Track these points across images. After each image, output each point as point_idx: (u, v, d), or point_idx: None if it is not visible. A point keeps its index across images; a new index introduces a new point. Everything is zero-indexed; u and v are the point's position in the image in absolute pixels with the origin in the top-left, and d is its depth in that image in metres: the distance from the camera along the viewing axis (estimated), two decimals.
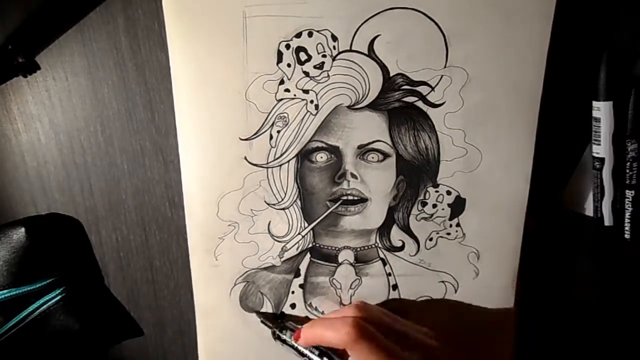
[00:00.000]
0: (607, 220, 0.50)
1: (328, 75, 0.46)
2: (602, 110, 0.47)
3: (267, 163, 0.49)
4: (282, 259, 0.52)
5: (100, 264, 0.57)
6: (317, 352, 0.47)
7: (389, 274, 0.52)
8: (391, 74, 0.46)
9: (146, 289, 0.56)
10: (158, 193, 0.54)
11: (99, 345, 0.57)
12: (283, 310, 0.53)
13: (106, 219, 0.56)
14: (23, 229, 0.51)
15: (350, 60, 0.46)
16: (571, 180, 0.51)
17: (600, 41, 0.47)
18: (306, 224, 0.51)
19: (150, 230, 0.54)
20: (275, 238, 0.51)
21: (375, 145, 0.48)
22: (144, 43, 0.49)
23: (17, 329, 0.52)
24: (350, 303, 0.53)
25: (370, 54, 0.46)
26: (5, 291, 0.51)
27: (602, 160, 0.48)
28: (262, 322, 0.53)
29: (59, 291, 0.52)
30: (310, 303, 0.53)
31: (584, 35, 0.48)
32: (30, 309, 0.52)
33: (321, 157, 0.49)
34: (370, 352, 0.41)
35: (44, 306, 0.52)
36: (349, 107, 0.47)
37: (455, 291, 0.52)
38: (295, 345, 0.48)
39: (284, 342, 0.50)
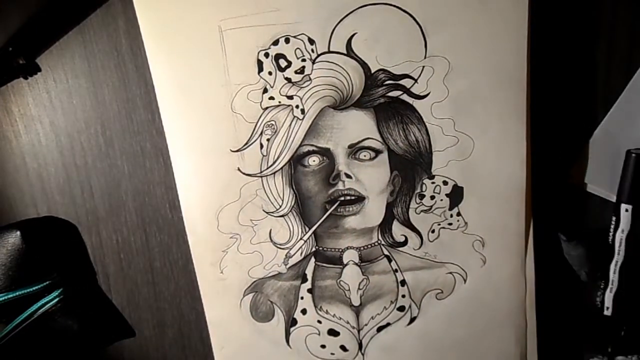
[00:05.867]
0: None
1: (310, 79, 0.47)
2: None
3: (261, 172, 0.49)
4: (288, 266, 0.52)
5: (100, 265, 0.58)
6: None
7: (396, 270, 0.52)
8: (372, 71, 0.46)
9: (146, 290, 0.57)
10: (158, 194, 0.54)
11: (95, 345, 0.57)
12: (295, 316, 0.54)
13: (106, 220, 0.56)
14: (19, 233, 0.52)
15: (330, 62, 0.46)
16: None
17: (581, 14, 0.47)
18: (307, 229, 0.51)
19: (150, 232, 0.54)
20: (278, 245, 0.51)
21: (366, 143, 0.48)
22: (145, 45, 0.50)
23: (17, 330, 0.53)
24: (360, 303, 0.53)
25: (349, 53, 0.46)
26: (3, 294, 0.52)
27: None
28: None
29: (57, 293, 0.53)
30: (321, 307, 0.53)
31: (566, 8, 0.47)
32: (30, 310, 0.52)
33: (313, 161, 0.49)
34: None
35: (44, 308, 0.53)
36: (334, 108, 0.48)
37: (465, 281, 0.51)
38: None
39: None
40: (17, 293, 0.53)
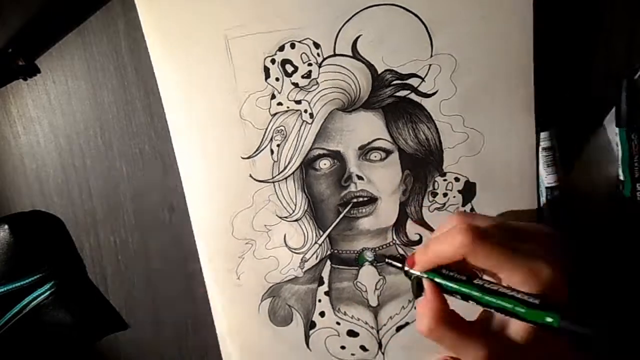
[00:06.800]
0: None
1: (317, 83, 0.47)
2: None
3: (273, 177, 0.49)
4: (304, 270, 0.52)
5: (98, 266, 0.58)
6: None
7: None
8: (379, 72, 0.46)
9: (144, 292, 0.57)
10: (156, 196, 0.55)
11: (89, 338, 0.57)
12: (314, 319, 0.54)
13: (105, 222, 0.56)
14: (7, 226, 0.52)
15: (336, 65, 0.46)
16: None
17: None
18: (321, 232, 0.51)
19: (148, 234, 0.54)
20: (293, 250, 0.52)
21: (376, 144, 0.48)
22: (144, 47, 0.49)
23: (10, 324, 0.53)
24: (378, 303, 0.53)
25: (355, 54, 0.46)
26: None
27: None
28: (388, 263, 0.46)
29: (48, 285, 0.53)
30: (339, 309, 0.53)
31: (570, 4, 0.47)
32: (22, 304, 0.53)
33: (325, 164, 0.49)
34: (490, 251, 0.37)
35: (35, 301, 0.53)
36: (343, 110, 0.48)
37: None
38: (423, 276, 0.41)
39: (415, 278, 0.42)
40: (8, 287, 0.53)
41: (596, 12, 0.47)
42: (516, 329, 0.38)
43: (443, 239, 0.39)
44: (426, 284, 0.40)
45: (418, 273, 0.41)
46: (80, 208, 0.56)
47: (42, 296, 0.53)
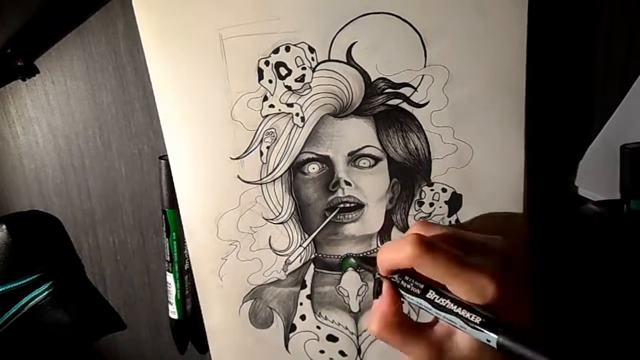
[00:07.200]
0: None
1: (310, 87, 0.47)
2: None
3: (261, 179, 0.49)
4: (287, 272, 0.52)
5: (97, 267, 0.58)
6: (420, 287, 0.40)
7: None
8: (372, 79, 0.46)
9: (143, 292, 0.57)
10: (155, 197, 0.55)
11: (87, 338, 0.57)
12: (294, 322, 0.54)
13: (103, 222, 0.56)
14: (4, 226, 0.52)
15: (330, 70, 0.46)
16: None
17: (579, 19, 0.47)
18: (306, 236, 0.51)
19: (147, 234, 0.54)
20: (277, 252, 0.52)
21: (365, 151, 0.48)
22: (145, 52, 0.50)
23: (9, 324, 0.52)
24: (359, 309, 0.53)
25: (349, 61, 0.46)
26: None
27: None
28: (360, 266, 0.50)
29: (46, 286, 0.53)
30: (320, 313, 0.53)
31: (563, 18, 0.47)
32: (20, 304, 0.52)
33: (313, 168, 0.49)
34: (436, 264, 0.37)
35: (33, 301, 0.53)
36: (334, 115, 0.48)
37: None
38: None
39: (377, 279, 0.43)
40: (6, 287, 0.53)
41: (595, 13, 0.47)
42: (463, 337, 0.38)
43: (394, 247, 0.40)
44: (384, 287, 0.41)
45: (380, 276, 0.42)
46: (79, 208, 0.56)
47: (41, 296, 0.53)
